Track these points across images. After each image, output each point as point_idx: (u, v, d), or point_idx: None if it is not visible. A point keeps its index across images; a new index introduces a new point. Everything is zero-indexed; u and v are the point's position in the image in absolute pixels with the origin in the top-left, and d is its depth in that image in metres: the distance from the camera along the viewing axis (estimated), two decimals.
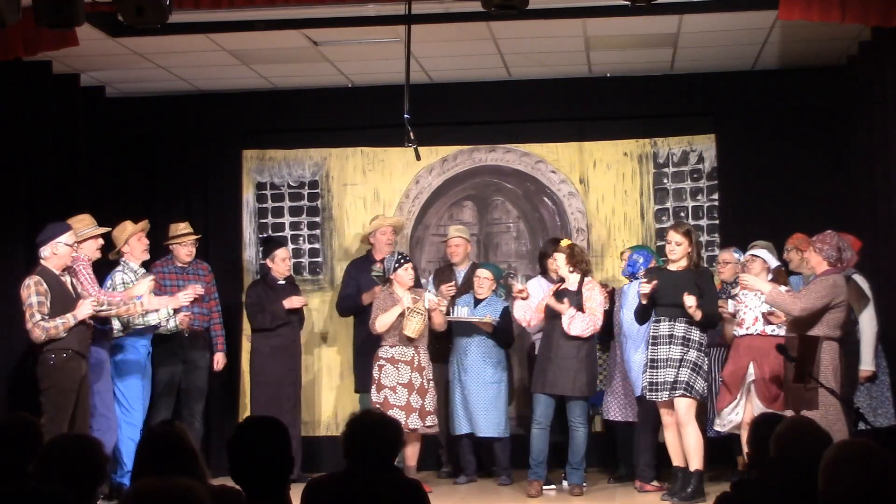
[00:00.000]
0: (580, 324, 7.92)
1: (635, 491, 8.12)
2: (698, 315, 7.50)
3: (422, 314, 8.20)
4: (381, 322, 8.24)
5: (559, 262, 8.14)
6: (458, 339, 8.69)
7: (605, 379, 8.59)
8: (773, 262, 7.77)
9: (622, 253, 8.92)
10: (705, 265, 7.93)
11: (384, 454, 3.97)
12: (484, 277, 8.67)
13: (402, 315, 8.19)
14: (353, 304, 9.03)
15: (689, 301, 7.46)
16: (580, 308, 7.96)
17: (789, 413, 6.99)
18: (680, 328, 7.58)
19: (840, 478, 3.00)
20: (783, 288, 7.38)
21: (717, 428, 7.85)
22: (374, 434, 3.96)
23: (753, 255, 7.75)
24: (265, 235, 9.71)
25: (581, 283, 8.04)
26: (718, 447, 8.30)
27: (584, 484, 8.12)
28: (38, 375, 7.23)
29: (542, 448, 8.04)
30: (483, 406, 8.53)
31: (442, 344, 8.77)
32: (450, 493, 8.33)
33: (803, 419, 4.30)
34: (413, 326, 8.15)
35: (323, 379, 9.72)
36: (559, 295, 8.06)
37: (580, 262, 8.09)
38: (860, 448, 3.07)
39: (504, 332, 8.65)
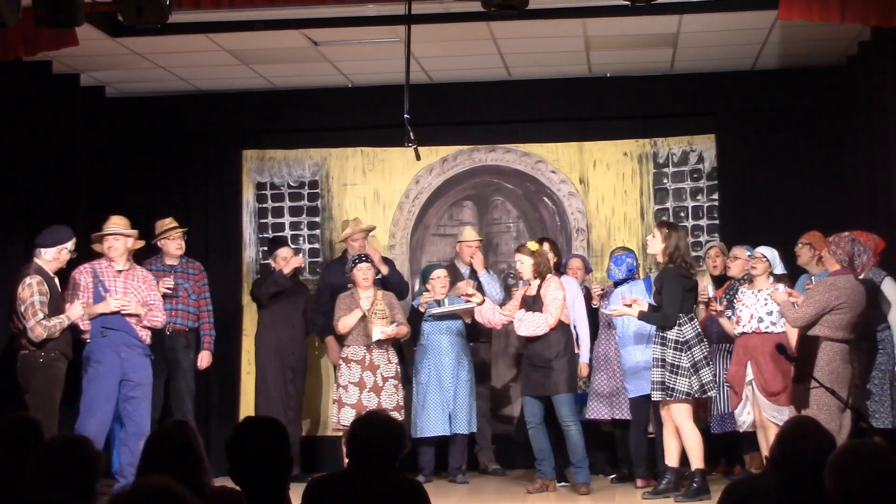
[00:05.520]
0: (530, 324, 7.92)
1: (636, 490, 8.13)
2: (634, 312, 7.63)
3: (382, 317, 8.32)
4: (343, 324, 8.43)
5: (525, 266, 8.03)
6: (430, 339, 8.64)
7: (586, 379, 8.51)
8: (779, 268, 7.78)
9: (612, 252, 8.84)
10: (688, 267, 7.73)
11: (387, 456, 3.97)
12: (440, 278, 8.67)
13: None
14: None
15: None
16: (541, 310, 7.93)
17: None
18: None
19: (846, 477, 3.00)
20: (781, 287, 7.41)
21: (737, 428, 7.90)
22: (378, 436, 3.97)
23: (762, 255, 7.75)
24: (268, 236, 9.70)
25: (541, 285, 8.02)
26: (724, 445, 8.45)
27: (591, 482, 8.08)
28: (25, 376, 7.26)
29: (541, 446, 8.02)
30: (461, 404, 8.55)
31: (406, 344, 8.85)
32: (449, 492, 8.30)
33: (806, 419, 4.30)
34: (377, 331, 8.30)
35: (323, 379, 9.69)
36: (527, 301, 8.06)
37: (544, 268, 8.03)
38: (866, 448, 3.06)
39: (478, 323, 8.67)
